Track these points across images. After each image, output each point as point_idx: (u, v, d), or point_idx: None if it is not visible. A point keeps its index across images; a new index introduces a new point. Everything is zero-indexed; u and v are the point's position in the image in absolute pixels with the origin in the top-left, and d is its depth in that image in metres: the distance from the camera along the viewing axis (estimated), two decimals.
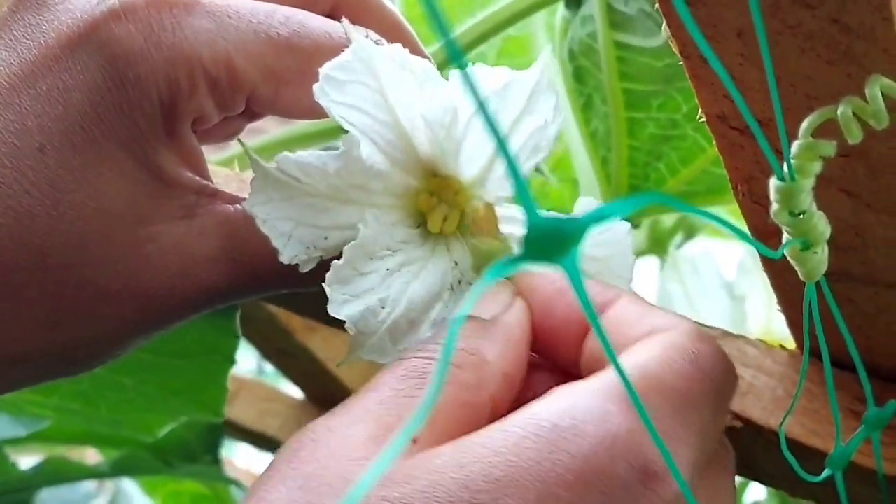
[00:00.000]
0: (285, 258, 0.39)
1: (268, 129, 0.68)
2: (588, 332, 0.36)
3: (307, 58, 0.39)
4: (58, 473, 0.79)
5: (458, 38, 0.66)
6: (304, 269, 0.39)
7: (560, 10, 0.64)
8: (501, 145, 0.18)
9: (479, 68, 0.38)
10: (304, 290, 0.41)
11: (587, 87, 0.62)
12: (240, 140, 0.42)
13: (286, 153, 0.38)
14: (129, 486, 1.62)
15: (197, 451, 0.88)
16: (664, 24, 0.32)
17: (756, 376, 0.44)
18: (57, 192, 0.38)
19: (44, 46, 0.39)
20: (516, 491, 0.29)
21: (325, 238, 0.39)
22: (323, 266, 0.39)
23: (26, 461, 0.88)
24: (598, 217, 0.21)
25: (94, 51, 0.39)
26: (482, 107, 0.20)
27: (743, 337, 0.45)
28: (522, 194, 0.19)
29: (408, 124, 0.38)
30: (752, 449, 0.44)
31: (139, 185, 0.39)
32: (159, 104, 0.39)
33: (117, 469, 0.80)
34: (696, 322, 0.43)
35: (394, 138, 0.38)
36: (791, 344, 0.46)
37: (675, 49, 0.32)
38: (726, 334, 0.45)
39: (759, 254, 0.40)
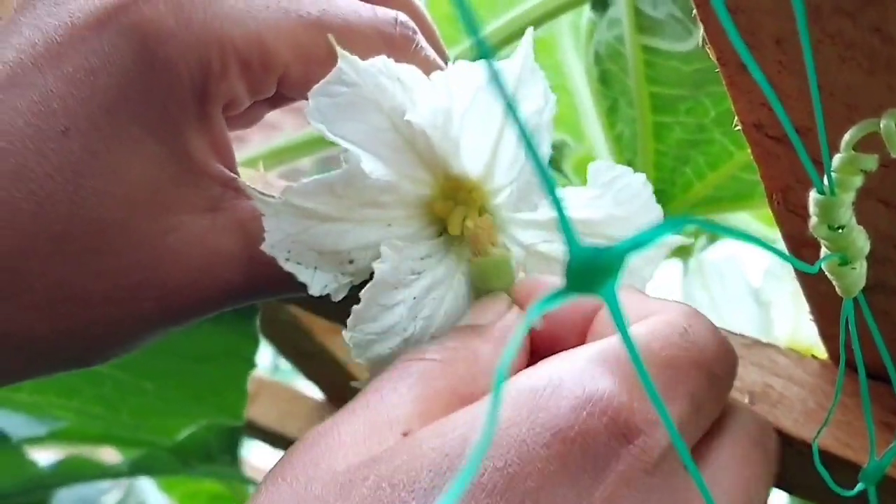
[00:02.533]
0: (315, 291, 0.38)
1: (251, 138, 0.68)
2: (586, 337, 0.36)
3: (337, 36, 0.39)
4: (76, 472, 0.79)
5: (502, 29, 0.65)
6: (337, 297, 0.39)
7: (586, 12, 0.64)
8: (540, 167, 0.18)
9: (460, 65, 0.38)
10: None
11: (613, 91, 0.62)
12: (241, 181, 0.40)
13: (290, 185, 0.37)
14: (144, 482, 1.62)
15: (216, 451, 0.87)
16: (701, 30, 0.31)
17: (787, 386, 0.43)
18: (80, 178, 0.37)
19: (70, 26, 0.38)
20: (495, 452, 0.29)
21: (351, 262, 0.39)
22: None
23: (44, 458, 0.88)
24: (634, 244, 0.20)
25: (122, 31, 0.38)
26: (510, 107, 0.19)
27: (774, 346, 0.44)
28: (565, 226, 0.19)
29: (406, 131, 0.37)
30: (783, 460, 0.43)
31: (165, 173, 0.38)
32: (190, 87, 0.38)
33: (136, 469, 0.80)
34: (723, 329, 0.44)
35: (395, 148, 0.38)
36: (820, 352, 0.46)
37: (711, 56, 0.32)
38: (756, 343, 0.44)
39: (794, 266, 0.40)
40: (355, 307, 0.37)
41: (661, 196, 0.63)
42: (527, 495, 0.29)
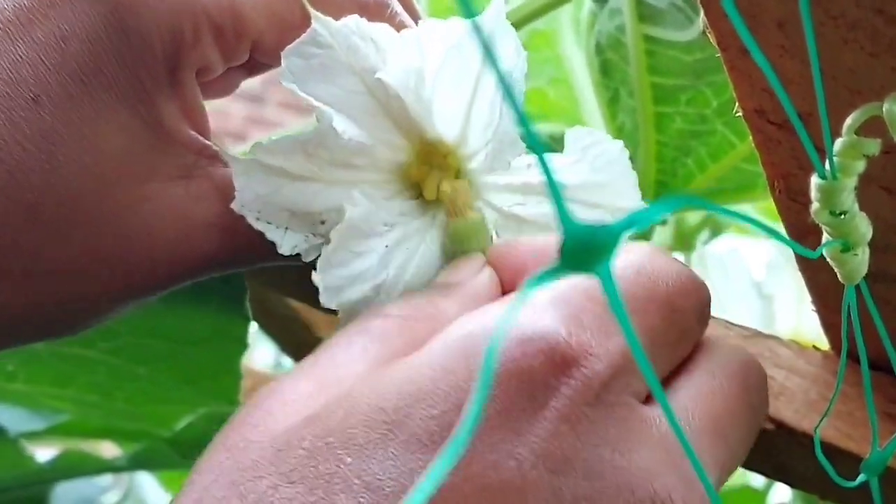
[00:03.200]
0: (285, 250, 0.38)
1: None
2: None
3: (311, 2, 0.37)
4: (74, 466, 0.79)
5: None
6: (307, 258, 0.38)
7: (587, 3, 0.64)
8: (540, 155, 0.17)
9: (430, 24, 0.37)
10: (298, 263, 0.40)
11: (614, 81, 0.61)
12: (217, 145, 0.40)
13: (259, 141, 0.37)
14: (144, 478, 1.62)
15: None
16: (701, 15, 0.31)
17: (788, 377, 0.43)
18: (52, 146, 0.36)
19: None
20: (431, 401, 0.29)
21: (322, 223, 0.38)
22: None
23: (42, 454, 0.87)
24: (630, 223, 0.20)
25: None
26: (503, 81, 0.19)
27: (775, 337, 0.44)
28: (558, 203, 0.18)
29: (380, 93, 0.37)
30: (784, 451, 0.43)
31: (138, 141, 0.38)
32: (162, 54, 0.38)
33: (135, 463, 0.79)
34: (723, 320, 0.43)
35: (370, 111, 0.37)
36: (823, 344, 0.45)
37: (712, 41, 0.31)
38: (758, 334, 0.44)
39: (795, 253, 0.39)
40: (325, 247, 0.37)
41: (663, 187, 0.63)
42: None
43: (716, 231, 0.85)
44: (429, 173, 0.40)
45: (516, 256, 0.37)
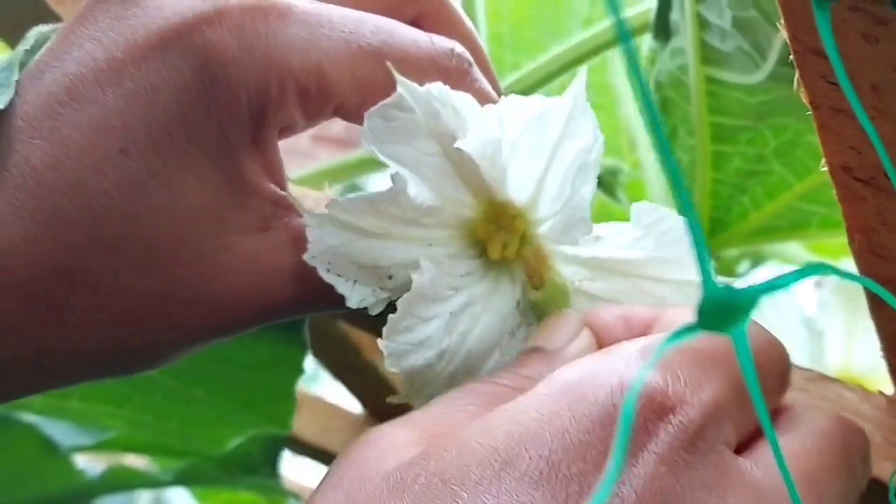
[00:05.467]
0: (353, 303, 0.39)
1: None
2: None
3: (395, 66, 0.39)
4: (122, 481, 0.80)
5: (542, 68, 0.66)
6: (374, 311, 0.40)
7: (646, 41, 0.64)
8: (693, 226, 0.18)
9: (513, 99, 0.39)
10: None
11: (672, 119, 0.62)
12: (291, 196, 0.41)
13: (335, 198, 0.38)
14: (175, 490, 1.62)
15: (258, 462, 0.88)
16: (770, 65, 0.32)
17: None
18: (136, 196, 0.37)
19: (132, 44, 0.38)
20: (538, 443, 0.30)
21: (390, 278, 0.40)
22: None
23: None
24: (768, 288, 0.21)
25: (185, 53, 0.38)
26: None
27: (840, 381, 0.45)
28: (702, 263, 0.19)
29: (454, 156, 0.38)
30: None
31: (219, 194, 0.39)
32: (248, 112, 0.39)
33: (181, 478, 0.80)
34: None
35: (442, 172, 0.39)
36: (873, 383, 0.46)
37: (804, 99, 0.32)
38: (822, 377, 0.45)
39: (869, 301, 0.40)
40: (391, 315, 0.38)
41: (717, 224, 0.64)
42: (571, 479, 0.30)
43: (757, 261, 0.85)
44: (495, 233, 0.41)
45: (605, 321, 0.39)
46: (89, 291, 0.37)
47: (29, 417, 0.75)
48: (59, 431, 0.77)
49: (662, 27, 0.59)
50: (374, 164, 0.69)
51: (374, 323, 0.64)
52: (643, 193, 0.72)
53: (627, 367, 0.32)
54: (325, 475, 0.33)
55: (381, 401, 0.87)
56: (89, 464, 0.95)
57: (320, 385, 1.40)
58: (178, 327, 0.40)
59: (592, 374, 0.32)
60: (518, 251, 0.41)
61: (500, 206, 0.40)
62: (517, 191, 0.40)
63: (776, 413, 0.36)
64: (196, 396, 0.66)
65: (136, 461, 1.08)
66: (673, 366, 0.32)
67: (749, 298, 0.20)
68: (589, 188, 0.38)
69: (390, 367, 0.38)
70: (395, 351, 0.38)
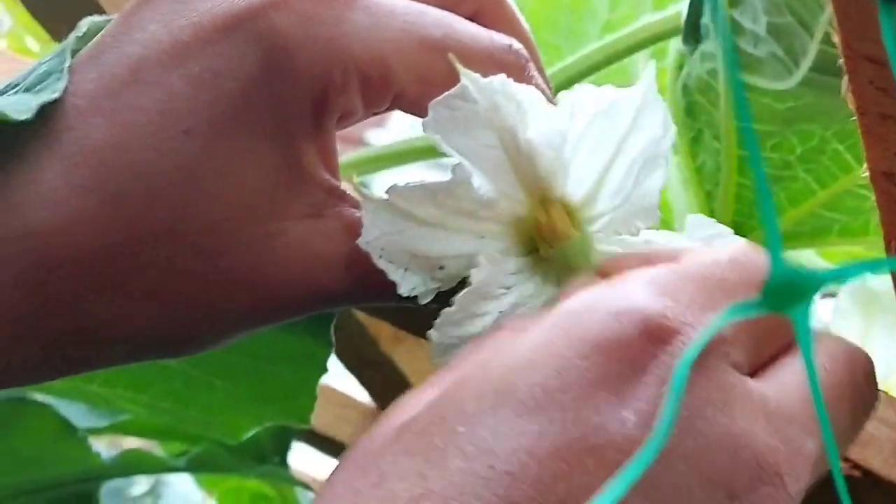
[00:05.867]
0: (404, 291, 0.40)
1: None
2: None
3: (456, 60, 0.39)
4: (134, 465, 0.80)
5: (571, 67, 0.67)
6: (423, 300, 0.40)
7: (674, 43, 0.65)
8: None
9: (585, 88, 0.39)
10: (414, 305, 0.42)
11: (698, 122, 0.63)
12: (353, 178, 0.41)
13: (395, 185, 0.39)
14: (174, 476, 1.61)
15: (268, 452, 0.88)
16: (844, 79, 0.32)
17: (878, 427, 0.44)
18: (195, 179, 0.38)
19: (197, 26, 0.38)
20: (533, 369, 0.31)
21: (441, 268, 0.40)
22: None
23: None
24: (835, 276, 0.21)
25: (251, 38, 0.38)
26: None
27: None
28: (773, 241, 0.20)
29: (512, 150, 0.39)
30: (870, 499, 0.44)
31: (276, 179, 0.39)
32: (310, 99, 0.39)
33: (192, 464, 0.81)
34: None
35: (499, 166, 0.39)
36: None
37: (850, 105, 0.33)
38: None
39: None
40: (447, 309, 0.38)
41: (740, 229, 0.64)
42: (568, 406, 0.30)
43: None
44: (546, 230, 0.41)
45: (626, 266, 0.38)
46: (143, 272, 0.38)
47: (46, 399, 0.75)
48: (75, 413, 0.77)
49: (692, 31, 0.59)
50: (375, 163, 0.69)
51: (399, 315, 0.64)
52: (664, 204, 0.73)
53: (630, 294, 0.32)
54: (335, 471, 0.34)
55: (393, 396, 0.88)
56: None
57: (329, 376, 1.41)
58: (229, 312, 0.40)
59: (592, 301, 0.32)
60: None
61: (554, 204, 0.41)
62: (576, 185, 0.40)
63: (789, 344, 0.35)
64: (216, 386, 0.67)
65: (137, 444, 1.09)
66: (676, 293, 0.32)
67: (814, 282, 0.21)
68: (658, 178, 0.39)
69: (435, 359, 0.39)
70: (443, 344, 0.39)
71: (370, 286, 0.40)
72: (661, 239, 0.41)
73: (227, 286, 0.39)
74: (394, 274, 0.39)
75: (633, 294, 0.32)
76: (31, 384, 0.48)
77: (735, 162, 0.61)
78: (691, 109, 0.62)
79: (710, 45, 0.58)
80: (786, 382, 0.33)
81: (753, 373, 0.33)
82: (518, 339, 0.33)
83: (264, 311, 0.41)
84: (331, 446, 0.94)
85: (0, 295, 0.37)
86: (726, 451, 0.30)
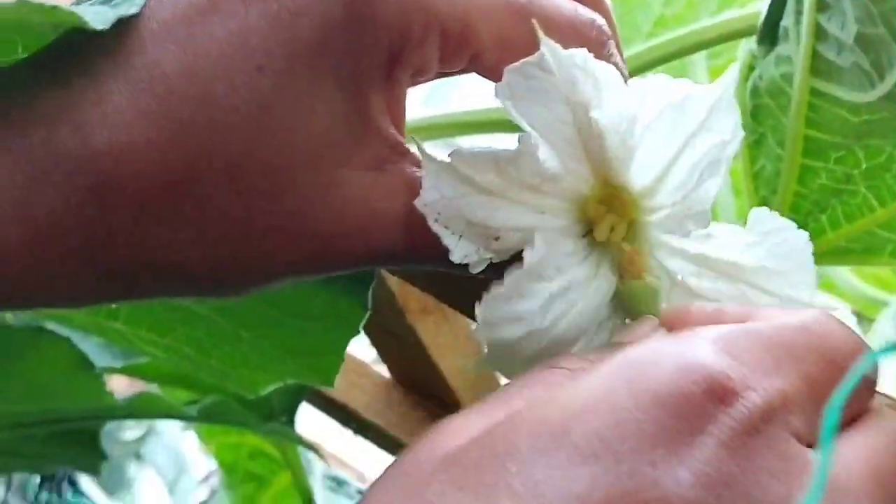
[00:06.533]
0: (456, 257, 0.39)
1: None
2: None
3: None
4: (148, 408, 0.79)
5: (637, 57, 0.66)
6: (474, 270, 0.39)
7: (744, 43, 0.64)
8: None
9: (660, 78, 0.38)
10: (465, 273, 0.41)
11: (762, 126, 0.61)
12: (413, 137, 0.41)
13: (460, 147, 0.38)
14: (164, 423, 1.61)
15: (278, 409, 0.88)
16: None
17: None
18: (263, 117, 0.37)
19: None
20: (592, 416, 0.30)
21: (496, 239, 0.39)
22: None
23: None
24: None
25: None
26: None
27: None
28: None
29: (584, 127, 0.38)
30: None
31: (343, 127, 0.39)
32: (387, 49, 0.39)
33: (203, 414, 0.80)
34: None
35: (569, 141, 0.38)
36: None
37: None
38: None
39: None
40: (495, 284, 0.38)
41: None
42: (624, 457, 0.29)
43: None
44: (605, 214, 0.40)
45: (688, 321, 0.38)
46: (200, 206, 0.37)
47: (66, 332, 0.74)
48: (93, 349, 0.76)
49: (770, 32, 0.58)
50: (445, 130, 0.68)
51: (434, 285, 0.63)
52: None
53: (696, 351, 0.31)
54: (394, 461, 0.34)
55: (411, 368, 0.88)
56: None
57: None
58: (278, 257, 0.39)
59: (657, 354, 0.32)
60: (624, 237, 0.40)
61: (616, 188, 0.40)
62: (639, 174, 0.39)
63: (860, 413, 0.34)
64: (242, 337, 0.66)
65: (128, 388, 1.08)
66: (743, 354, 0.32)
67: None
68: (716, 183, 0.38)
69: (478, 333, 0.38)
70: (489, 319, 0.38)
71: (423, 249, 0.40)
72: (722, 232, 0.40)
73: (282, 231, 0.39)
74: (448, 239, 0.39)
75: (699, 351, 0.31)
76: (73, 306, 0.47)
77: (797, 170, 0.60)
78: (757, 112, 0.61)
79: (787, 48, 0.57)
80: (846, 456, 0.32)
81: (815, 442, 0.32)
82: (577, 382, 0.32)
83: (314, 260, 0.40)
84: (339, 412, 0.93)
85: (59, 213, 0.36)
86: None
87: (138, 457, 1.99)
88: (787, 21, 0.57)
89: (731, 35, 0.64)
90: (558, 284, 0.39)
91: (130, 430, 1.90)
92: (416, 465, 0.32)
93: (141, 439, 1.91)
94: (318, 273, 0.41)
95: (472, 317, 0.38)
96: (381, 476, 0.33)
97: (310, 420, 1.01)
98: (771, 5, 0.58)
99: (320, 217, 0.39)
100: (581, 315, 0.40)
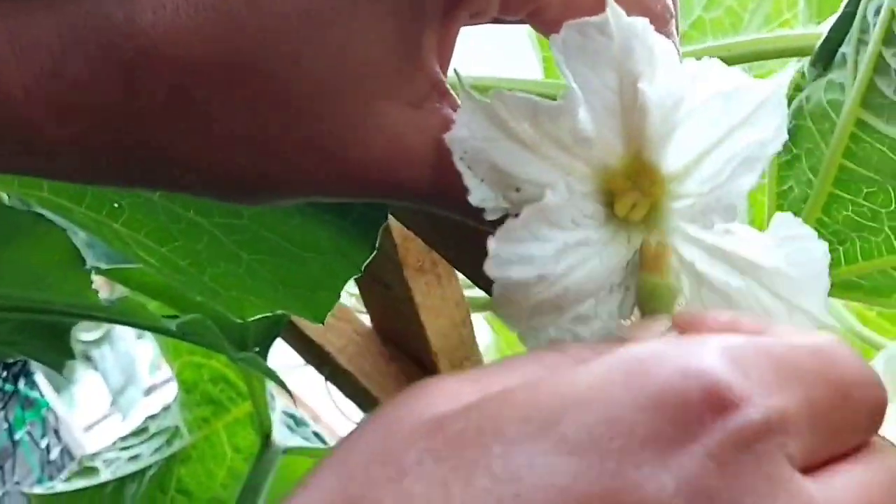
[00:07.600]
0: (474, 199, 0.38)
1: None
2: None
3: None
4: (130, 314, 0.78)
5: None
6: (489, 217, 0.39)
7: (793, 62, 0.64)
8: None
9: (714, 62, 0.38)
10: (483, 226, 0.40)
11: (798, 148, 0.61)
12: (455, 70, 0.40)
13: (501, 91, 0.37)
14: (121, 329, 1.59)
15: (251, 340, 0.87)
16: None
17: None
18: (313, 29, 0.36)
19: None
20: (586, 408, 0.30)
21: (517, 190, 0.39)
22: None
23: None
24: None
25: None
26: None
27: None
28: None
29: (629, 100, 0.37)
30: None
31: (391, 58, 0.38)
32: None
33: (182, 331, 0.79)
34: None
35: (610, 110, 0.38)
36: None
37: None
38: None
39: None
40: (510, 220, 0.38)
41: None
42: (610, 455, 0.29)
43: None
44: (629, 190, 0.40)
45: (701, 327, 0.37)
46: (233, 104, 0.37)
47: (63, 222, 0.73)
48: (81, 246, 0.75)
49: (826, 56, 0.58)
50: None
51: (442, 239, 0.63)
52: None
53: (702, 356, 0.31)
54: (370, 414, 0.33)
55: (394, 322, 0.87)
56: None
57: None
58: (300, 174, 0.39)
59: (661, 354, 0.31)
60: (644, 218, 0.40)
61: (646, 166, 0.40)
62: (674, 156, 0.39)
63: (859, 447, 0.34)
64: (241, 258, 0.65)
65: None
66: (749, 367, 0.31)
67: None
68: (749, 180, 0.38)
69: (488, 271, 0.38)
70: (502, 257, 0.38)
71: (447, 191, 0.40)
72: (742, 231, 0.40)
73: (307, 150, 0.38)
74: (469, 180, 0.38)
75: (705, 357, 0.31)
76: (88, 183, 0.46)
77: (825, 198, 0.60)
78: (796, 133, 0.61)
79: (841, 74, 0.57)
80: (837, 488, 0.31)
81: (808, 469, 0.31)
82: (577, 371, 0.31)
83: (337, 183, 0.40)
84: (314, 353, 0.93)
85: (84, 84, 0.35)
86: None
87: (87, 359, 1.98)
88: (847, 48, 0.57)
89: (781, 52, 0.64)
90: (574, 237, 0.39)
91: (87, 332, 1.89)
92: (398, 422, 0.31)
93: (95, 342, 1.91)
94: (339, 196, 0.41)
95: (470, 276, 0.38)
96: (357, 428, 0.33)
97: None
98: (832, 30, 0.57)
99: (353, 142, 0.39)
100: (593, 272, 0.39)
